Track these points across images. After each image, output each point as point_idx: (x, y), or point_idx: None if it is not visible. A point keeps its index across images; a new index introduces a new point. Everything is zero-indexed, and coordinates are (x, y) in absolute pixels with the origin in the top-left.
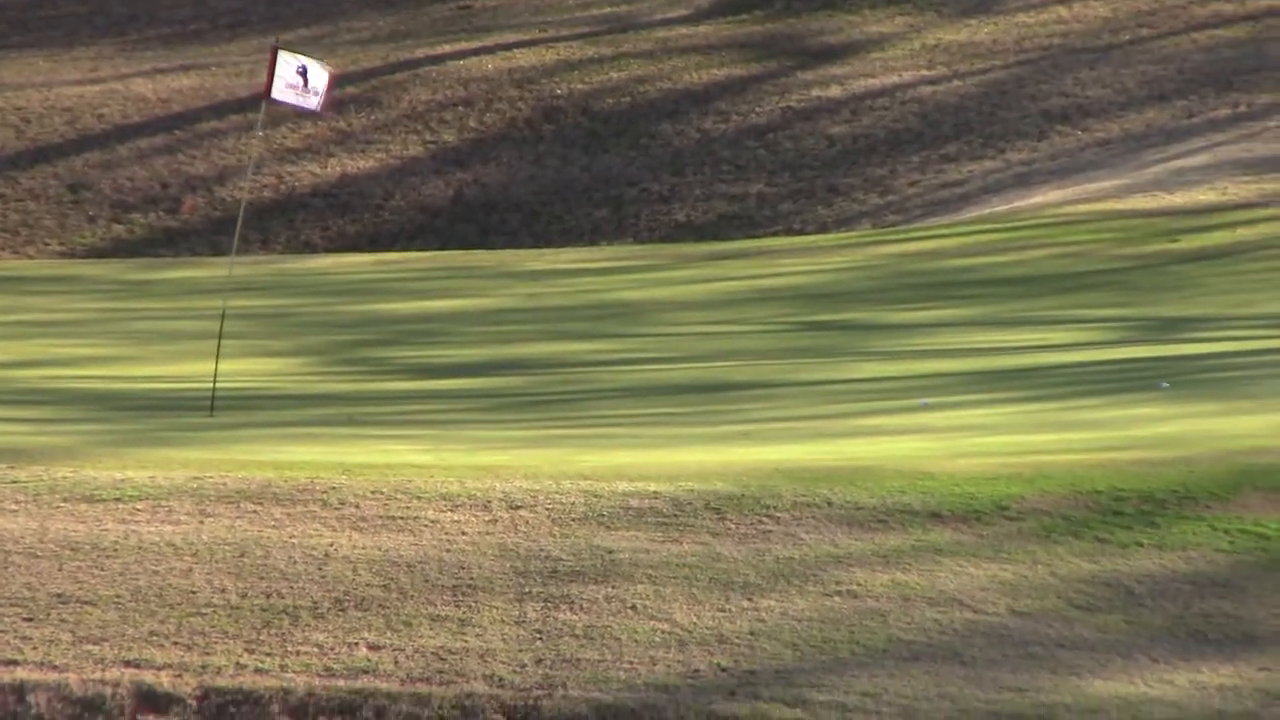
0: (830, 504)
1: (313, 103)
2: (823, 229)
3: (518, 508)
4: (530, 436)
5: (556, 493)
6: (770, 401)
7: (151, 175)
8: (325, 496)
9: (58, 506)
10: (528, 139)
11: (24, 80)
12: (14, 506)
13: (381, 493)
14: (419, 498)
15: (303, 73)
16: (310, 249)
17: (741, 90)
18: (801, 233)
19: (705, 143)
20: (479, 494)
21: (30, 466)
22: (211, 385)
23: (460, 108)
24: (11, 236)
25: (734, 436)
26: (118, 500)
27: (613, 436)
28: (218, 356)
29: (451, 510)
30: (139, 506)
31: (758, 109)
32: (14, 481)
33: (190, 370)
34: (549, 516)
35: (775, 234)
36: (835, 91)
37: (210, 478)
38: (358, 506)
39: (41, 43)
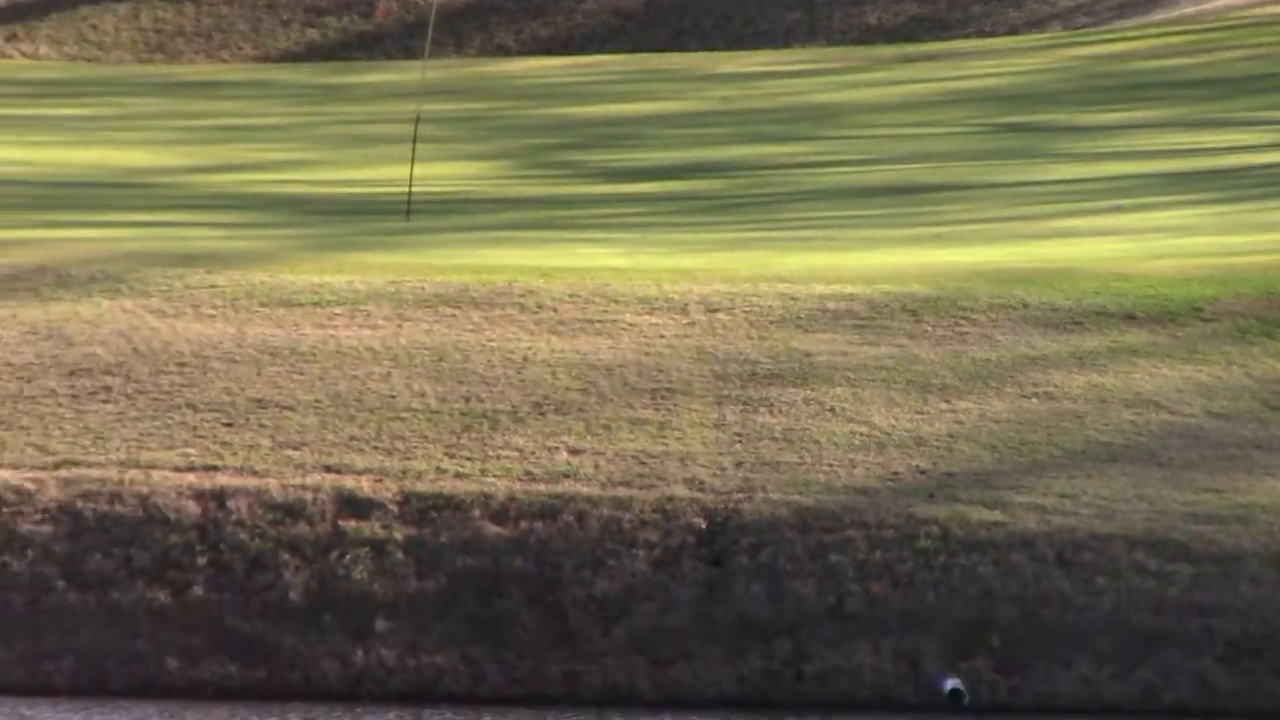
0: (1026, 306)
1: None
2: (1013, 31)
3: (715, 311)
4: (726, 239)
5: (753, 295)
6: (964, 204)
7: None
8: (523, 300)
9: (255, 311)
10: None
11: None
12: (212, 311)
13: (579, 296)
14: (616, 301)
15: None
16: (504, 52)
17: None
18: (992, 35)
19: None
20: (676, 297)
21: (227, 271)
22: (407, 189)
23: None
24: (205, 41)
25: (929, 239)
26: (315, 305)
27: (808, 239)
28: (413, 161)
29: (649, 313)
30: (337, 311)
31: None
32: (212, 286)
33: (385, 175)
34: (746, 319)
35: (966, 36)
36: None
37: (407, 282)
38: (555, 310)
39: None
